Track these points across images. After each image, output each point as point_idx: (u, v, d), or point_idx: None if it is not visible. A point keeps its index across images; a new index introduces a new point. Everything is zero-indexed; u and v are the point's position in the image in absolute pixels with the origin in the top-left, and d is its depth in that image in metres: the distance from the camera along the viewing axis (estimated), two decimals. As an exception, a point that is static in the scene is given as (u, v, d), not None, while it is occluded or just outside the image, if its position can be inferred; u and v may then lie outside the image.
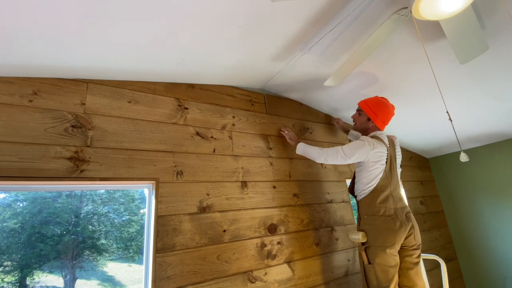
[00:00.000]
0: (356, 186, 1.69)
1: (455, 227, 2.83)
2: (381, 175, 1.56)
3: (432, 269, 2.51)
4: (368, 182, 1.59)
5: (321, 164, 2.09)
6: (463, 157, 1.04)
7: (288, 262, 1.65)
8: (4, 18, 0.92)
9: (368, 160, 1.56)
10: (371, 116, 1.65)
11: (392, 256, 1.47)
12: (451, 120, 1.06)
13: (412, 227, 1.53)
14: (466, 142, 2.61)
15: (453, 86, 1.77)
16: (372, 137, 1.62)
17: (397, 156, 1.68)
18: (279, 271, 1.60)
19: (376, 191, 1.55)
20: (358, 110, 1.76)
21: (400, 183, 1.68)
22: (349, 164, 2.26)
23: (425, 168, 3.00)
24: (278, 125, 1.98)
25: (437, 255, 2.54)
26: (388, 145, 1.63)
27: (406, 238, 1.51)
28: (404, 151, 2.86)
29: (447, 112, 1.03)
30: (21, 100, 1.19)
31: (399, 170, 1.67)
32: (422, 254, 2.10)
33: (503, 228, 2.50)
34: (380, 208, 1.53)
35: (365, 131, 1.74)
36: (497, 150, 2.54)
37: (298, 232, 1.76)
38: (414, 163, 2.90)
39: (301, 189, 1.90)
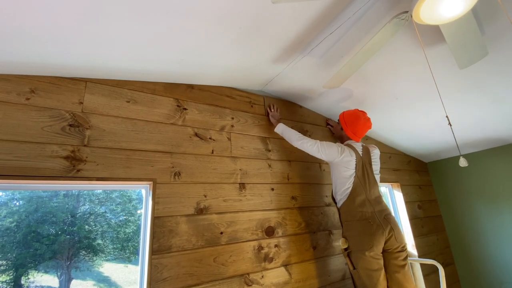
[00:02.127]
0: (334, 194, 1.76)
1: (452, 232, 2.83)
2: (352, 179, 1.64)
3: (430, 273, 2.50)
4: (342, 187, 1.67)
5: (320, 166, 2.09)
6: (462, 162, 1.04)
7: (285, 265, 1.64)
8: (2, 15, 0.91)
9: (336, 163, 1.70)
10: (343, 126, 1.83)
11: (373, 260, 1.49)
12: (450, 125, 1.06)
13: (392, 229, 1.55)
14: (465, 147, 2.61)
15: (452, 91, 1.77)
16: (346, 144, 1.77)
17: (372, 163, 1.76)
18: (276, 274, 1.59)
19: (352, 196, 1.62)
20: (338, 120, 1.96)
21: (381, 188, 1.76)
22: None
23: (423, 173, 3.01)
24: (277, 127, 1.98)
25: (434, 259, 2.54)
26: (361, 153, 1.73)
27: (387, 240, 1.54)
28: (402, 155, 2.86)
29: (446, 116, 1.03)
30: (18, 98, 1.18)
31: (377, 176, 1.76)
32: (418, 259, 2.10)
33: (501, 234, 2.50)
34: (357, 212, 1.59)
35: (340, 139, 1.94)
36: (496, 155, 2.54)
37: (295, 235, 1.75)
38: (413, 167, 2.90)
39: (299, 191, 1.89)
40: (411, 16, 1.03)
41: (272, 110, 1.93)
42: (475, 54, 1.30)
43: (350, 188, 1.64)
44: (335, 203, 1.76)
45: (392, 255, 1.55)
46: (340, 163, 1.67)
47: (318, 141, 1.71)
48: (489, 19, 1.26)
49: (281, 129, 1.82)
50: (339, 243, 1.61)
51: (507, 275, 2.44)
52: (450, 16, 1.01)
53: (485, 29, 1.31)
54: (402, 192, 2.62)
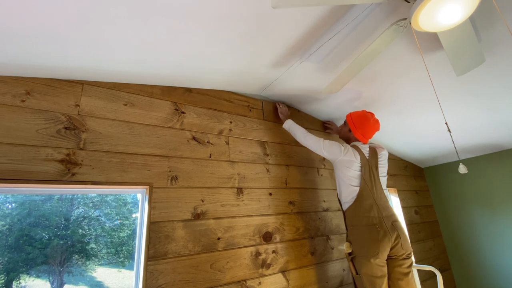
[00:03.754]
0: (339, 195, 1.73)
1: (449, 237, 2.84)
2: (358, 180, 1.61)
3: (427, 279, 2.49)
4: (346, 188, 1.64)
5: (318, 171, 2.09)
6: (462, 169, 1.04)
7: (283, 271, 1.62)
8: (-1, 16, 0.90)
9: (338, 162, 1.68)
10: (352, 128, 1.77)
11: (377, 267, 1.46)
12: (449, 131, 1.06)
13: (398, 236, 1.52)
14: (461, 153, 2.63)
15: (449, 97, 1.79)
16: (352, 146, 1.74)
17: (379, 166, 1.71)
18: (274, 281, 1.57)
19: (359, 200, 1.59)
20: (344, 121, 1.91)
21: (387, 192, 1.71)
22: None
23: (420, 178, 3.02)
24: (276, 131, 1.97)
25: (431, 265, 2.53)
26: (367, 155, 1.70)
27: (393, 247, 1.51)
28: (399, 160, 2.87)
29: (445, 123, 1.03)
30: (13, 100, 1.16)
31: (384, 179, 1.71)
32: (416, 265, 2.09)
33: (497, 239, 2.51)
34: (364, 217, 1.55)
35: (347, 140, 1.89)
36: (492, 161, 2.56)
37: (293, 240, 1.74)
38: (409, 173, 2.91)
39: (297, 196, 1.88)
40: (410, 23, 1.04)
41: (281, 106, 1.99)
42: (472, 61, 1.31)
43: (357, 192, 1.60)
44: (341, 205, 1.73)
45: (397, 262, 1.52)
46: (342, 162, 1.65)
47: (322, 138, 1.74)
48: (486, 27, 1.28)
49: (288, 125, 1.87)
50: (343, 247, 1.57)
51: (504, 281, 2.44)
52: (448, 24, 1.01)
53: (481, 36, 1.32)
54: (399, 197, 2.62)
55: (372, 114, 1.78)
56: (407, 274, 1.51)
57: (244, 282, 1.46)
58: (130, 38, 1.13)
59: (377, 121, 1.76)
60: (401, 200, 2.63)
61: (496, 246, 2.51)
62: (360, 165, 1.64)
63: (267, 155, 1.85)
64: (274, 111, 2.02)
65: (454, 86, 1.68)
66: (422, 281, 2.42)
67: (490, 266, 2.53)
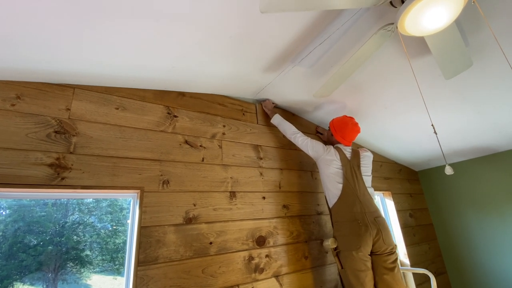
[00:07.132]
0: (326, 194, 1.80)
1: (444, 241, 2.84)
2: (340, 178, 1.71)
3: (423, 283, 2.48)
4: (328, 185, 1.74)
5: (311, 175, 2.09)
6: (448, 170, 1.05)
7: (277, 276, 1.61)
8: (-12, 20, 0.90)
9: (320, 160, 1.79)
10: (333, 132, 1.91)
11: (360, 260, 1.53)
12: (436, 133, 1.08)
13: (379, 231, 1.59)
14: (453, 156, 2.65)
15: (438, 101, 1.81)
16: (334, 147, 1.85)
17: (361, 165, 1.80)
18: (267, 286, 1.55)
19: (343, 197, 1.67)
20: (329, 126, 2.04)
21: (372, 190, 1.78)
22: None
23: (414, 181, 3.03)
24: (269, 135, 1.98)
25: (426, 269, 2.53)
26: (349, 156, 1.80)
27: (375, 243, 1.58)
28: (393, 163, 2.88)
29: (432, 125, 1.05)
30: (2, 104, 1.16)
31: (368, 178, 1.80)
32: (410, 268, 2.09)
33: (492, 242, 2.51)
34: (347, 213, 1.63)
35: (331, 143, 2.01)
36: (484, 164, 2.58)
37: (287, 244, 1.73)
38: (403, 176, 2.92)
39: (291, 200, 1.88)
40: (397, 28, 1.06)
41: (267, 100, 2.02)
42: (460, 65, 1.34)
43: (341, 189, 1.68)
44: (327, 204, 1.79)
45: (381, 258, 1.58)
46: (324, 161, 1.77)
47: (309, 138, 1.85)
48: (472, 31, 1.30)
49: (277, 121, 1.92)
50: (328, 243, 1.66)
51: (499, 283, 2.44)
52: (434, 28, 1.03)
53: (469, 40, 1.35)
54: (394, 200, 2.63)
55: (351, 118, 1.89)
56: (393, 269, 1.56)
57: (237, 287, 1.45)
58: (122, 42, 1.14)
59: (355, 124, 1.86)
60: (396, 203, 2.63)
61: (491, 248, 2.51)
62: (340, 164, 1.74)
63: (261, 158, 1.86)
64: (265, 113, 2.03)
65: (444, 90, 1.70)
66: (417, 285, 2.41)
67: (486, 269, 2.53)
